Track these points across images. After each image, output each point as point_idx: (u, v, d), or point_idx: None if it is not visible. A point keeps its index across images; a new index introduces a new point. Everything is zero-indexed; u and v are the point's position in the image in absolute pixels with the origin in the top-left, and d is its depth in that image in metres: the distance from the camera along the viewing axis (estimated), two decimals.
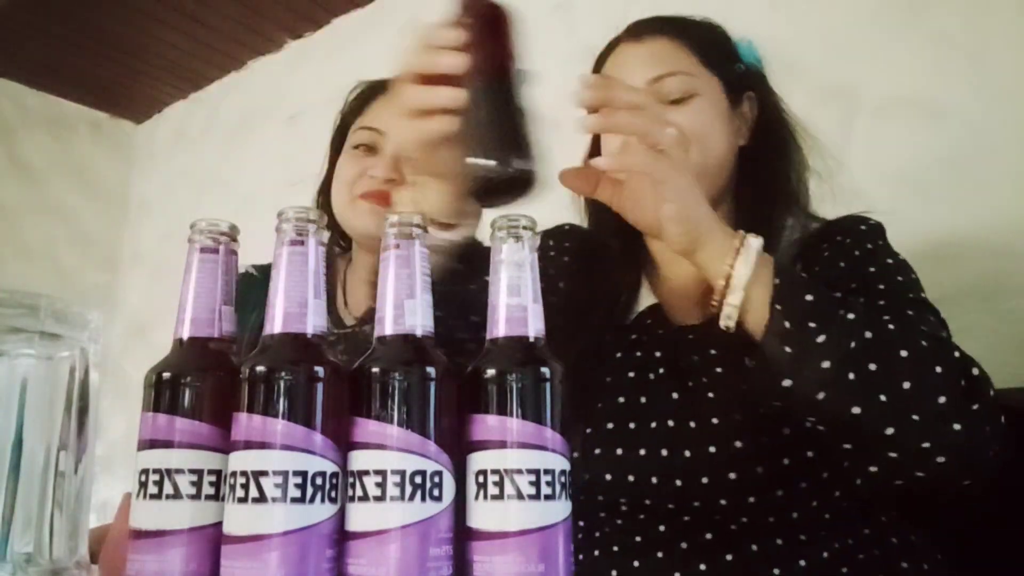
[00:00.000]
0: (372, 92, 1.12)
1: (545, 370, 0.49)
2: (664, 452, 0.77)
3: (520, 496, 0.46)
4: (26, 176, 2.81)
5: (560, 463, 0.48)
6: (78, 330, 0.56)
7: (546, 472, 0.47)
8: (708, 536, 0.75)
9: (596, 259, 0.94)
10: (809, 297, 0.66)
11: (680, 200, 0.68)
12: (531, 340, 0.50)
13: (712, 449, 0.75)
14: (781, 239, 0.86)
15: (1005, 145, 1.25)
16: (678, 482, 0.76)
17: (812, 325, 0.64)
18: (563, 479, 0.48)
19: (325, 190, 1.13)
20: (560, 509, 0.47)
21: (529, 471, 0.47)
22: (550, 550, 0.46)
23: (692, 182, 0.69)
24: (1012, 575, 0.87)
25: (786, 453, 0.74)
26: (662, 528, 0.77)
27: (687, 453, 0.76)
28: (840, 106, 1.43)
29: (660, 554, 0.76)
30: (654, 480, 0.77)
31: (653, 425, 0.79)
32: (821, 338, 0.63)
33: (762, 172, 0.89)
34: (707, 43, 0.90)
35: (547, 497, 0.47)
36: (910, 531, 0.82)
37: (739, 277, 0.67)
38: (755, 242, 0.68)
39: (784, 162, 0.90)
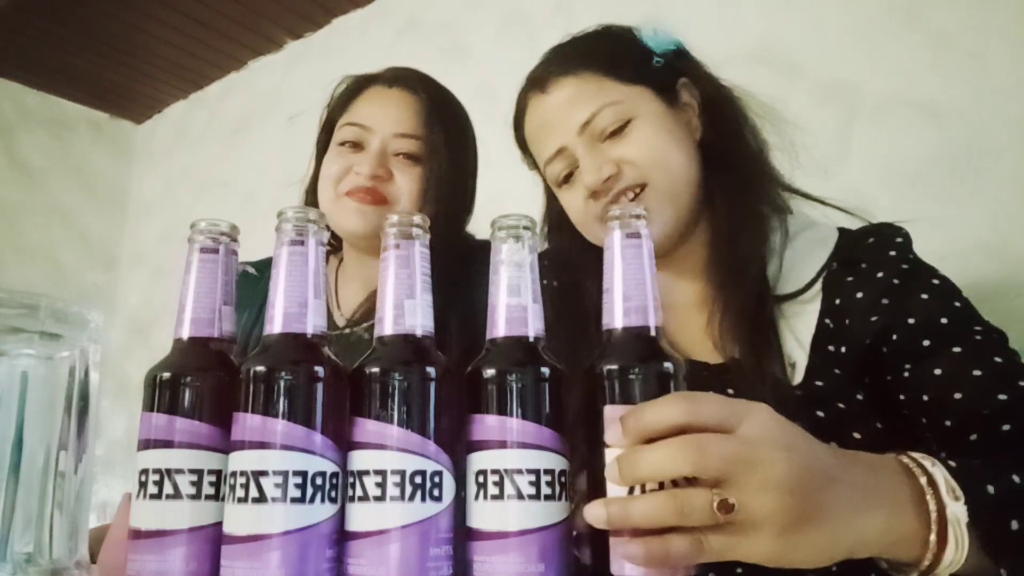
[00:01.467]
0: (357, 87, 1.10)
1: (545, 370, 0.49)
2: None
3: (520, 496, 0.46)
4: (26, 176, 2.81)
5: (560, 463, 0.48)
6: (78, 330, 0.56)
7: (546, 472, 0.47)
8: (738, 571, 0.68)
9: (573, 284, 0.86)
10: (1008, 520, 0.51)
11: (797, 485, 0.44)
12: (531, 340, 0.50)
13: None
14: (767, 226, 0.81)
15: (1005, 145, 1.25)
16: None
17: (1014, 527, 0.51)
18: (563, 479, 0.48)
19: (313, 189, 1.12)
20: (560, 509, 0.47)
21: (529, 471, 0.47)
22: (550, 550, 0.46)
23: (794, 437, 0.46)
24: None
25: None
26: None
27: None
28: (840, 106, 1.43)
29: None
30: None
31: None
32: (1015, 525, 0.51)
33: (725, 158, 0.82)
34: (614, 58, 0.83)
35: (547, 497, 0.47)
36: None
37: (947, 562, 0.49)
38: (959, 511, 0.49)
39: (743, 141, 0.83)
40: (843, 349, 0.74)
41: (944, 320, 0.71)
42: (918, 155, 1.33)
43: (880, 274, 0.75)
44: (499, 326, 0.51)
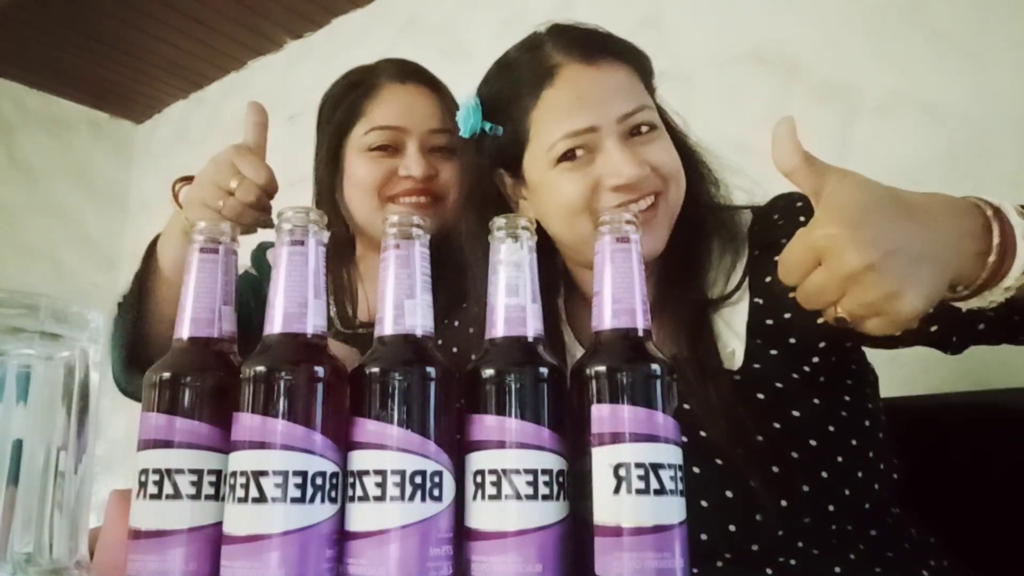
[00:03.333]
0: (367, 90, 1.06)
1: (544, 370, 0.49)
2: (729, 494, 0.73)
3: (518, 496, 0.46)
4: (26, 176, 2.81)
5: (558, 463, 0.48)
6: (78, 330, 0.56)
7: (544, 472, 0.47)
8: (719, 564, 0.73)
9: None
10: None
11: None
12: (530, 340, 0.50)
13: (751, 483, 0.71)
14: (710, 244, 0.83)
15: (1005, 145, 1.25)
16: (733, 528, 0.73)
17: None
18: (561, 479, 0.48)
19: (330, 199, 1.08)
20: (558, 509, 0.47)
21: (527, 471, 0.47)
22: (548, 550, 0.46)
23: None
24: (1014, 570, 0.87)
25: (774, 461, 0.73)
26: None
27: (728, 494, 0.73)
28: (840, 106, 1.43)
29: None
30: (732, 528, 0.73)
31: (696, 470, 0.73)
32: None
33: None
34: (647, 70, 0.84)
35: (545, 497, 0.47)
36: (914, 527, 0.80)
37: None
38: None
39: (694, 191, 0.84)
40: (782, 328, 0.77)
41: None
42: (918, 155, 1.33)
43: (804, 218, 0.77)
44: (498, 326, 0.51)
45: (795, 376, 0.76)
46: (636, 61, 0.82)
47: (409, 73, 1.08)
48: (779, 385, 0.75)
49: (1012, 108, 1.25)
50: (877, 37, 1.42)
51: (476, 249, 0.82)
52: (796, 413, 0.74)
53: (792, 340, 0.77)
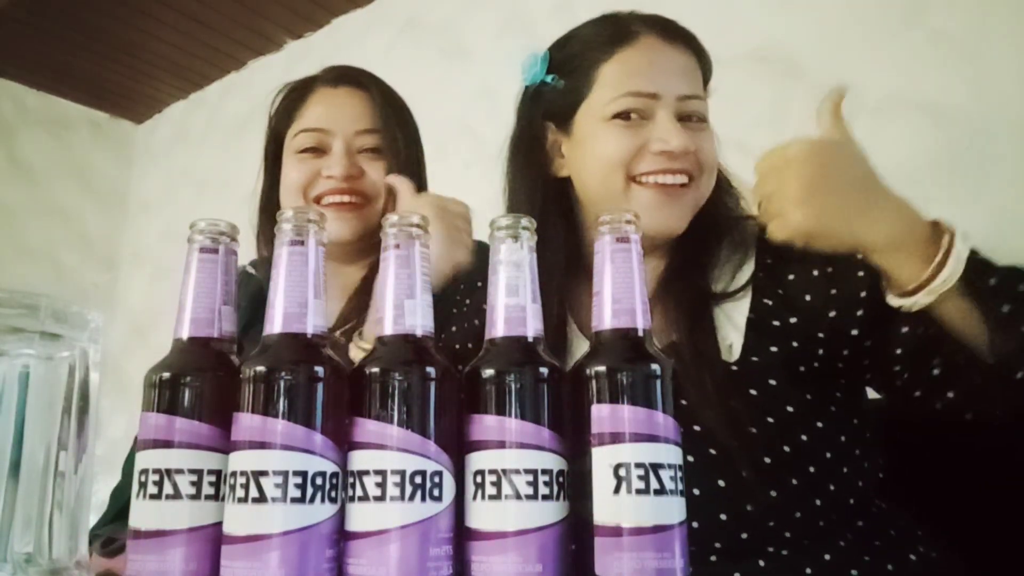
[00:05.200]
0: (300, 94, 1.08)
1: (544, 370, 0.49)
2: (721, 482, 0.74)
3: (518, 496, 0.46)
4: (26, 176, 2.81)
5: (558, 463, 0.48)
6: (78, 330, 0.56)
7: (544, 472, 0.47)
8: (712, 559, 0.74)
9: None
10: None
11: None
12: (530, 340, 0.50)
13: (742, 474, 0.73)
14: (720, 246, 0.86)
15: (1005, 145, 1.25)
16: (724, 517, 0.74)
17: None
18: (561, 479, 0.48)
19: (268, 204, 1.09)
20: (558, 509, 0.47)
21: (527, 471, 0.47)
22: (548, 550, 0.46)
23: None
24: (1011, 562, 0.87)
25: (766, 453, 0.74)
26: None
27: (721, 483, 0.74)
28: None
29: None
30: (723, 517, 0.74)
31: (690, 459, 0.75)
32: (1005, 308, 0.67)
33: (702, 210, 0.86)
34: (707, 71, 0.88)
35: (544, 497, 0.47)
36: (901, 519, 0.82)
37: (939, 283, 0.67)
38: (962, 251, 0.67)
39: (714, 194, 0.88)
40: (787, 330, 0.79)
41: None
42: (918, 155, 1.33)
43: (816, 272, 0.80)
44: (498, 326, 0.51)
45: (791, 373, 0.77)
46: (702, 59, 0.87)
47: (343, 77, 1.08)
48: (773, 382, 0.77)
49: (1012, 108, 1.25)
50: (877, 37, 1.42)
51: (519, 193, 0.90)
52: (790, 408, 0.76)
53: (795, 343, 0.79)
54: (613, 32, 0.86)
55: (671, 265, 0.86)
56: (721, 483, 0.74)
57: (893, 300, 0.70)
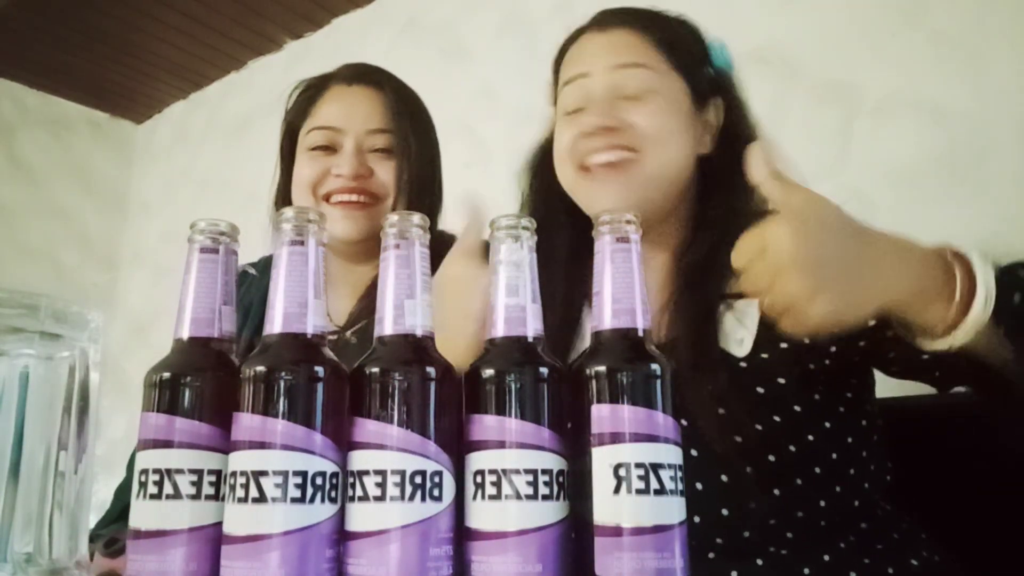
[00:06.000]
0: (316, 91, 1.09)
1: (544, 370, 0.49)
2: (724, 478, 0.74)
3: (518, 496, 0.46)
4: (26, 176, 2.81)
5: (558, 463, 0.48)
6: (78, 330, 0.56)
7: (544, 472, 0.47)
8: (711, 556, 0.74)
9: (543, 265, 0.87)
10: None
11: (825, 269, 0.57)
12: (530, 340, 0.50)
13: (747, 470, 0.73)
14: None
15: (1005, 145, 1.25)
16: (726, 512, 0.74)
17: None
18: (561, 479, 0.48)
19: (283, 199, 1.10)
20: (558, 509, 0.47)
21: (527, 471, 0.47)
22: (548, 550, 0.46)
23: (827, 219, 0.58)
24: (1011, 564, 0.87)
25: (771, 451, 0.74)
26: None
27: (724, 478, 0.74)
28: (840, 106, 1.43)
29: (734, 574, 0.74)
30: (725, 512, 0.74)
31: (693, 453, 0.74)
32: None
33: (726, 185, 0.82)
34: (676, 41, 0.85)
35: (545, 497, 0.47)
36: (905, 522, 0.81)
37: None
38: (989, 277, 0.60)
39: (744, 179, 0.86)
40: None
41: None
42: (918, 155, 1.33)
43: None
44: (498, 326, 0.51)
45: (800, 372, 0.76)
46: (658, 34, 0.85)
47: (358, 75, 1.09)
48: (781, 380, 0.76)
49: (1012, 108, 1.25)
50: (877, 37, 1.42)
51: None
52: (797, 408, 0.75)
53: (806, 339, 0.75)
54: (568, 34, 0.90)
55: (679, 264, 0.84)
56: (724, 478, 0.74)
57: (926, 345, 0.63)
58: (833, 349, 0.76)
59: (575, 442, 0.49)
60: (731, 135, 0.85)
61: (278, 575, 0.44)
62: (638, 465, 0.47)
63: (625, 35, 0.84)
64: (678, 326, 0.79)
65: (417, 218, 0.52)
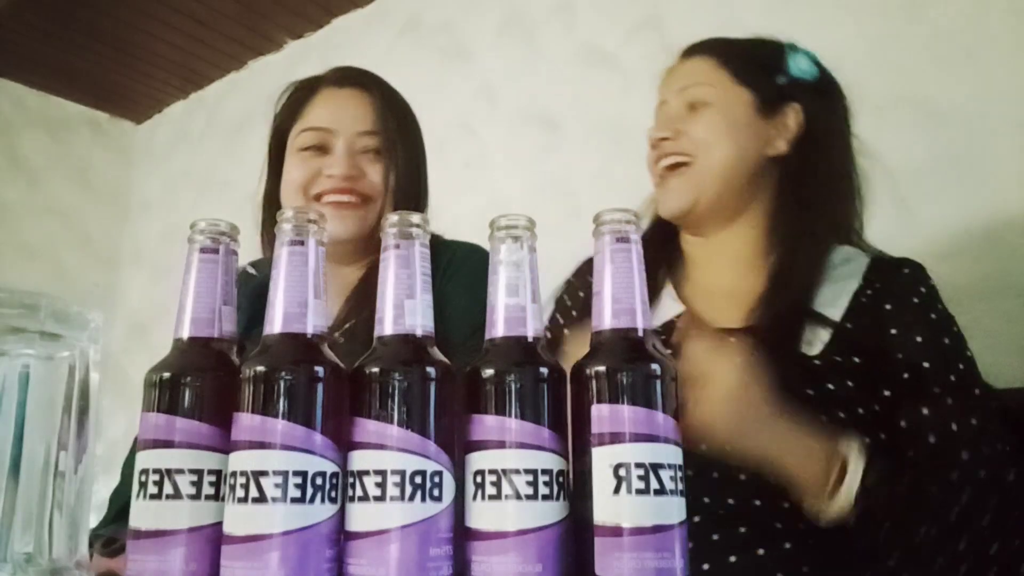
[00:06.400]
0: (305, 94, 1.10)
1: (544, 370, 0.49)
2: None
3: (518, 496, 0.46)
4: (26, 176, 2.81)
5: (558, 463, 0.48)
6: (78, 330, 0.56)
7: (544, 472, 0.47)
8: (743, 529, 0.77)
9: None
10: None
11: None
12: (530, 340, 0.50)
13: None
14: (824, 262, 0.88)
15: (1005, 145, 1.25)
16: (743, 477, 0.78)
17: None
18: (561, 479, 0.48)
19: (271, 201, 1.11)
20: (558, 509, 0.47)
21: (527, 471, 0.47)
22: (548, 550, 0.46)
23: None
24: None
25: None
26: (696, 519, 0.79)
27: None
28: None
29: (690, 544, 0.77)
30: (743, 477, 0.78)
31: None
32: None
33: (803, 186, 0.91)
34: (743, 59, 0.95)
35: (544, 497, 0.47)
36: None
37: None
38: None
39: (830, 179, 0.93)
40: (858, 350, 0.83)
41: (949, 366, 0.81)
42: (918, 155, 1.32)
43: (910, 309, 0.85)
44: (498, 326, 0.51)
45: (872, 384, 0.81)
46: (724, 55, 0.96)
47: (348, 78, 1.10)
48: (850, 383, 0.80)
49: (1012, 108, 1.25)
50: (877, 37, 1.42)
51: None
52: (861, 411, 0.79)
53: (884, 367, 0.82)
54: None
55: (764, 253, 0.92)
56: None
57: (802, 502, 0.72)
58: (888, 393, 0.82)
59: (575, 442, 0.49)
60: (811, 137, 0.93)
61: (278, 575, 0.44)
62: (638, 465, 0.47)
63: (694, 62, 0.97)
64: (763, 319, 0.86)
65: (418, 218, 0.52)
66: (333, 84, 1.09)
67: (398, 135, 1.06)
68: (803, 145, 0.93)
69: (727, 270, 0.94)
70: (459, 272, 1.01)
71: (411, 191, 1.06)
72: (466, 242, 1.07)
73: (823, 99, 0.96)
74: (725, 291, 0.92)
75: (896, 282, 0.87)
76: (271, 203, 1.11)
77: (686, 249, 0.99)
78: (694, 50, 0.99)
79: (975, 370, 0.82)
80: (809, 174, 0.91)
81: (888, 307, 0.85)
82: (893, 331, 0.83)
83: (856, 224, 0.94)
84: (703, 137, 0.91)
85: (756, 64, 0.95)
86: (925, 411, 0.78)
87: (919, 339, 0.82)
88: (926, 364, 0.81)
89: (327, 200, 1.03)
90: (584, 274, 1.03)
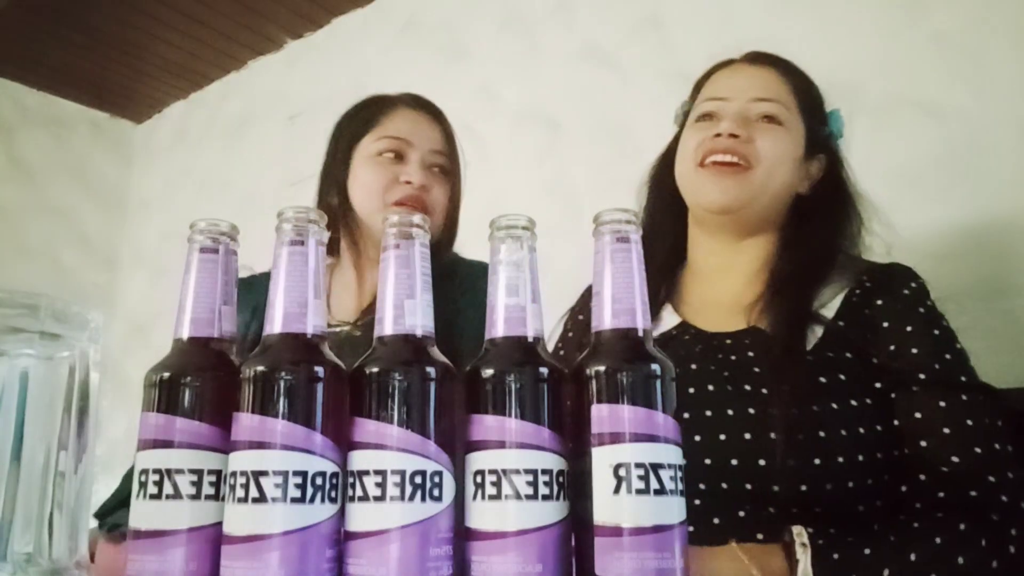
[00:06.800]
0: (382, 107, 1.19)
1: (543, 370, 0.49)
2: (748, 435, 0.79)
3: (518, 496, 0.46)
4: (26, 176, 2.81)
5: (558, 463, 0.48)
6: (78, 330, 0.56)
7: (544, 472, 0.47)
8: (771, 510, 0.77)
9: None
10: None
11: None
12: (530, 340, 0.50)
13: (771, 435, 0.78)
14: (819, 289, 0.90)
15: (1005, 145, 1.25)
16: (735, 462, 0.79)
17: None
18: (561, 479, 0.48)
19: (342, 195, 1.17)
20: (558, 509, 0.47)
21: (527, 471, 0.47)
22: (548, 550, 0.46)
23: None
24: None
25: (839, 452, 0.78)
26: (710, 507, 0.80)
27: (747, 436, 0.79)
28: (840, 106, 1.43)
29: (716, 520, 0.79)
30: (734, 462, 0.79)
31: (730, 412, 0.82)
32: None
33: (814, 224, 0.95)
34: (806, 94, 0.98)
35: (544, 497, 0.47)
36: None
37: None
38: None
39: (837, 224, 0.96)
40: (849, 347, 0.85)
41: (940, 366, 0.82)
42: (918, 155, 1.32)
43: (900, 301, 0.86)
44: (498, 326, 0.51)
45: (865, 380, 0.82)
46: (797, 84, 0.97)
47: (422, 104, 1.21)
48: (843, 377, 0.81)
49: (1012, 108, 1.25)
50: (877, 37, 1.42)
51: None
52: (853, 402, 0.80)
53: (875, 359, 0.83)
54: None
55: (774, 263, 0.95)
56: (747, 436, 0.79)
57: None
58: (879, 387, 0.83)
59: (575, 442, 0.49)
60: (828, 188, 0.98)
61: (278, 575, 0.44)
62: (638, 465, 0.47)
63: (768, 73, 0.97)
64: (761, 320, 0.89)
65: (418, 218, 0.52)
66: (408, 105, 1.20)
67: (458, 161, 1.19)
68: (818, 192, 0.98)
69: (731, 281, 0.96)
70: (474, 287, 1.06)
71: (458, 215, 1.19)
72: (483, 261, 1.10)
73: (839, 157, 1.01)
74: (725, 303, 0.94)
75: (886, 280, 0.89)
76: (341, 201, 1.17)
77: (691, 252, 1.01)
78: (763, 59, 0.99)
79: (966, 361, 0.83)
80: (820, 214, 0.96)
81: (879, 303, 0.86)
82: (885, 324, 0.85)
83: (857, 243, 0.98)
84: (771, 153, 0.92)
85: (813, 104, 0.99)
86: (918, 415, 0.79)
87: (909, 328, 0.83)
88: (915, 351, 0.82)
89: (397, 207, 1.11)
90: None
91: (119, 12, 2.40)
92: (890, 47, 1.40)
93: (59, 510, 0.54)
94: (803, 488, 0.77)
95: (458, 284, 1.10)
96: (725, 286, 0.97)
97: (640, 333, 0.50)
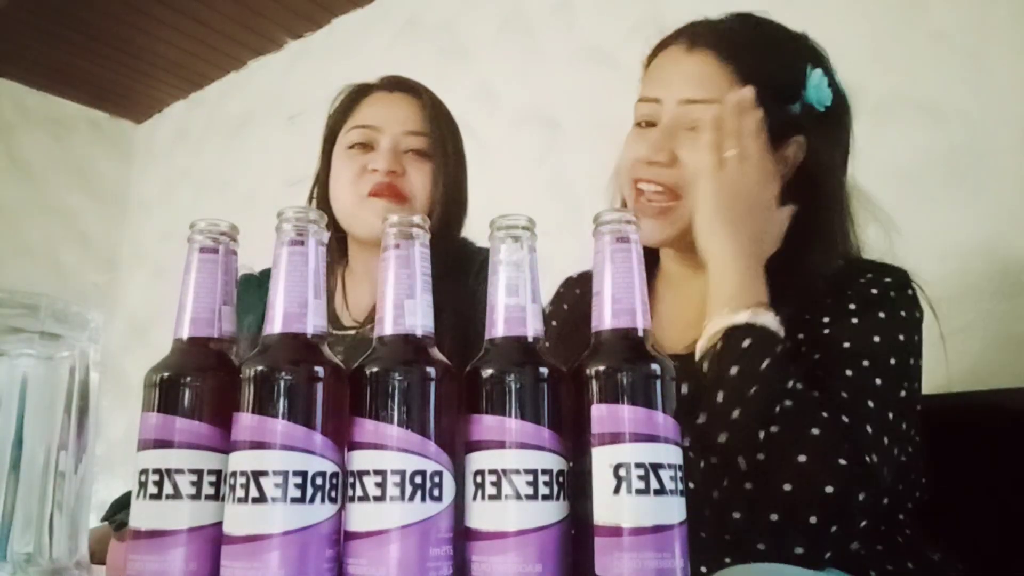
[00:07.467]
0: (358, 95, 1.14)
1: (544, 370, 0.49)
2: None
3: (518, 496, 0.46)
4: (26, 176, 2.81)
5: (558, 463, 0.48)
6: (78, 330, 0.56)
7: (544, 472, 0.47)
8: (727, 537, 0.71)
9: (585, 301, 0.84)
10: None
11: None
12: (529, 340, 0.50)
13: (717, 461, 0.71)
14: (814, 287, 0.80)
15: (1005, 145, 1.25)
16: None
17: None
18: (561, 479, 0.48)
19: (323, 195, 1.14)
20: (558, 509, 0.47)
21: (527, 471, 0.47)
22: (548, 550, 0.46)
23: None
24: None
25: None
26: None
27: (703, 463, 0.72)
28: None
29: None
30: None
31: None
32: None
33: (802, 223, 0.82)
34: (761, 74, 0.82)
35: (545, 497, 0.47)
36: (931, 551, 0.79)
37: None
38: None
39: (827, 217, 0.84)
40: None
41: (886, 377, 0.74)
42: (918, 155, 1.33)
43: (883, 314, 0.77)
44: (498, 326, 0.51)
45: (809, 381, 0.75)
46: (744, 67, 0.82)
47: (399, 84, 1.14)
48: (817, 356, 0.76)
49: (1012, 108, 1.25)
50: (877, 37, 1.42)
51: None
52: (788, 403, 0.72)
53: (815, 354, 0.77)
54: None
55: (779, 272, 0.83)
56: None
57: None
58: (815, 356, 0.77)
59: (575, 442, 0.49)
60: (806, 173, 0.84)
61: (278, 575, 0.44)
62: (638, 465, 0.47)
63: (706, 63, 0.83)
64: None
65: (417, 218, 0.52)
66: (384, 89, 1.14)
67: (447, 141, 1.09)
68: (797, 179, 0.84)
69: (698, 287, 0.83)
70: None
71: (457, 196, 1.09)
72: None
73: (828, 131, 0.86)
74: (689, 320, 0.83)
75: (858, 279, 0.80)
76: (321, 200, 1.14)
77: (662, 257, 0.94)
78: (704, 40, 0.84)
79: (907, 367, 0.76)
80: (800, 210, 0.81)
81: (854, 321, 0.78)
82: (846, 345, 0.76)
83: (849, 243, 0.87)
84: (691, 167, 0.80)
85: (772, 85, 0.82)
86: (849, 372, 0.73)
87: (855, 321, 0.77)
88: (846, 344, 0.75)
89: (372, 193, 1.05)
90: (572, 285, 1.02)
91: (119, 12, 2.40)
92: (890, 47, 1.40)
93: (59, 510, 0.54)
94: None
95: (474, 273, 1.05)
96: (692, 291, 0.86)
97: (640, 333, 0.50)
